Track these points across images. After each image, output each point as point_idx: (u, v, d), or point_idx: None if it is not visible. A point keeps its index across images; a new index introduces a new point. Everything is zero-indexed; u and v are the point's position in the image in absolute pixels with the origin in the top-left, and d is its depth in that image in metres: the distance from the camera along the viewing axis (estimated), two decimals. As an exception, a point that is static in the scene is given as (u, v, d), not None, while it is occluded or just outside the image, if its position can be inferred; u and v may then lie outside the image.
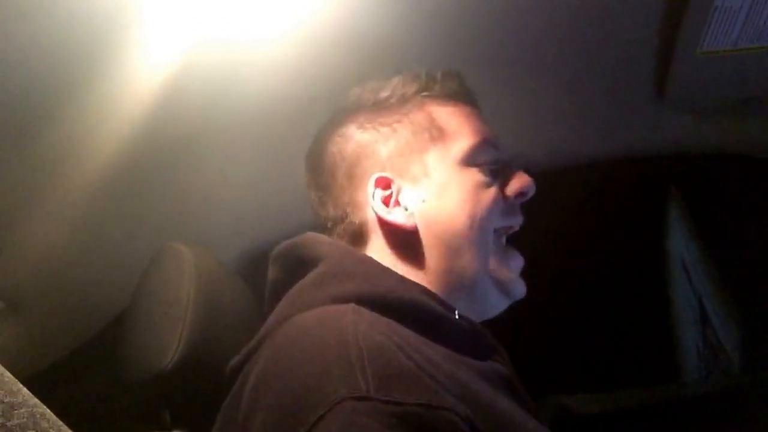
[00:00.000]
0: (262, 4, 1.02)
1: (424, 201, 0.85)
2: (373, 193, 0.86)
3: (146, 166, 1.22)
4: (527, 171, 0.93)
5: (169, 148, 1.21)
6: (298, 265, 0.82)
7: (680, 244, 1.60)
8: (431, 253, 0.84)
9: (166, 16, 0.98)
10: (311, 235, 0.87)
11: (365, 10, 1.05)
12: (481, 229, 0.85)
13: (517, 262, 0.90)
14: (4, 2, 0.87)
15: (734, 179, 1.50)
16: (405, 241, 0.85)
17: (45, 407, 0.57)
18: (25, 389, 0.57)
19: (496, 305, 0.90)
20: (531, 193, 0.91)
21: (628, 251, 1.71)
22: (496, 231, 0.88)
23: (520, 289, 0.90)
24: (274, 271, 0.87)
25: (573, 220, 1.52)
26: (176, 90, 1.08)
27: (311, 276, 0.79)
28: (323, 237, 0.87)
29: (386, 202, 0.86)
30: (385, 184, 0.87)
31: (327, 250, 0.82)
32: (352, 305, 0.71)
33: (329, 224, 0.91)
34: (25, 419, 0.52)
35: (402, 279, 0.80)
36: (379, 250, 0.86)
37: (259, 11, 1.03)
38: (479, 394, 0.67)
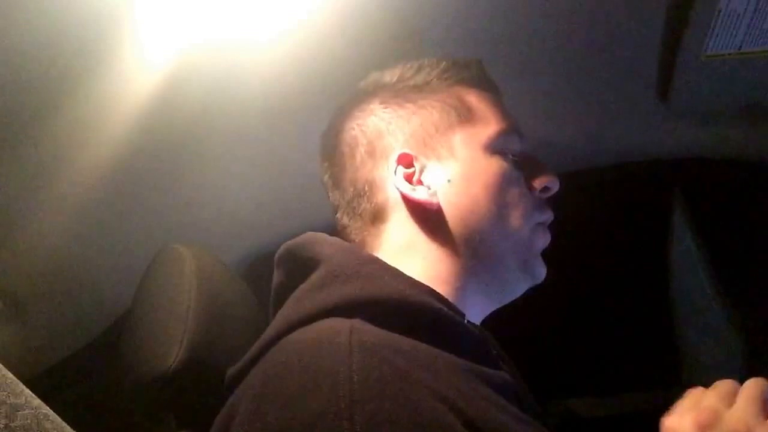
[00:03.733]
0: (261, 4, 1.02)
1: (449, 181, 0.83)
2: (396, 169, 0.83)
3: (146, 166, 1.21)
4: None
5: (170, 148, 1.21)
6: (300, 267, 0.78)
7: (684, 248, 1.59)
8: (453, 235, 0.81)
9: (165, 16, 0.98)
10: (311, 235, 0.82)
11: (364, 10, 1.05)
12: (510, 220, 0.83)
13: (541, 242, 0.88)
14: (1, 3, 0.87)
15: (739, 185, 1.49)
16: (427, 220, 0.82)
17: (48, 408, 0.57)
18: (27, 391, 0.57)
19: (517, 287, 0.87)
20: (556, 188, 0.89)
21: (632, 255, 1.71)
22: (533, 227, 0.86)
23: (541, 271, 0.87)
24: (277, 275, 0.84)
25: (575, 224, 1.52)
26: (176, 90, 1.07)
27: (311, 279, 0.75)
28: (323, 236, 0.82)
29: (409, 179, 0.83)
30: (407, 161, 0.84)
31: (327, 250, 0.77)
32: (351, 322, 0.65)
33: (345, 204, 0.89)
34: (28, 420, 0.52)
35: (409, 280, 0.74)
36: (398, 230, 0.84)
37: (257, 11, 1.02)
38: (486, 410, 0.62)
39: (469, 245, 0.82)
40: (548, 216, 0.88)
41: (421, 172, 0.84)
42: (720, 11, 1.02)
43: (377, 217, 0.85)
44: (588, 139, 1.37)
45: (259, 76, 1.12)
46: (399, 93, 0.89)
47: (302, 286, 0.76)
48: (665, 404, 0.67)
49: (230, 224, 1.40)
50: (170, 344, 0.86)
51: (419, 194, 0.82)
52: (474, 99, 0.88)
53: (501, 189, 0.83)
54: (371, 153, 0.87)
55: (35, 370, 1.26)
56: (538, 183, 0.87)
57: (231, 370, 0.76)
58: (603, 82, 1.24)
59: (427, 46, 1.10)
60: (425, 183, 0.83)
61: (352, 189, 0.88)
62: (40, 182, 1.12)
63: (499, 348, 0.84)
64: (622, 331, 1.69)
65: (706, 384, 0.67)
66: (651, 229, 1.68)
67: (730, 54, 1.08)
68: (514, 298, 0.88)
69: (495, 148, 0.85)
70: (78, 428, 0.61)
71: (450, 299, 0.76)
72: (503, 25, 1.11)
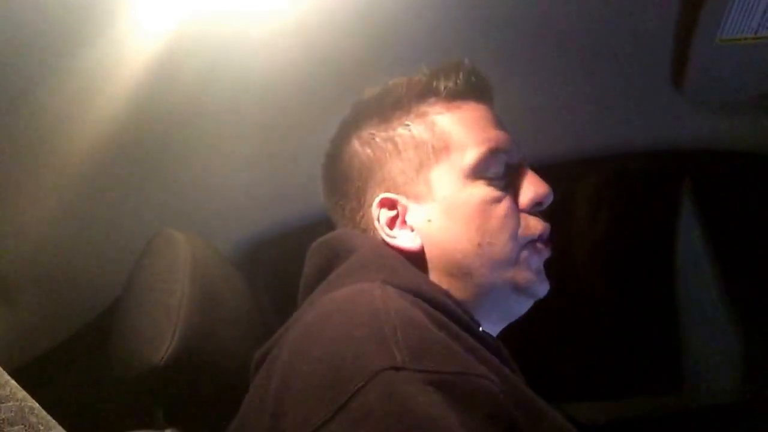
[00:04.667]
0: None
1: (429, 220, 0.83)
2: (378, 215, 0.85)
3: (139, 149, 1.20)
4: (538, 167, 0.88)
5: (163, 131, 1.19)
6: (332, 258, 0.82)
7: (690, 242, 1.59)
8: (441, 272, 0.83)
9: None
10: (345, 230, 0.89)
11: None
12: (493, 247, 0.82)
13: (536, 260, 0.85)
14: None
15: (751, 178, 1.48)
16: (414, 261, 0.83)
17: (33, 401, 0.56)
18: (13, 382, 0.56)
19: (518, 308, 0.87)
20: (548, 201, 0.87)
21: (637, 250, 1.70)
22: (523, 246, 0.84)
23: (542, 289, 0.86)
24: (308, 266, 0.87)
25: (579, 216, 1.50)
26: (171, 71, 1.06)
27: (344, 266, 0.80)
28: (356, 232, 0.87)
29: (393, 222, 0.85)
30: (390, 204, 0.86)
31: (360, 242, 0.82)
32: (379, 282, 0.70)
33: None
34: (12, 413, 0.51)
35: (430, 281, 0.80)
36: None
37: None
38: (509, 377, 0.67)
39: (458, 279, 0.83)
40: (541, 231, 0.85)
41: (404, 214, 0.85)
42: (735, -7, 1.00)
43: None
44: (598, 128, 1.35)
45: (258, 54, 1.09)
46: (378, 127, 0.89)
47: (336, 272, 0.80)
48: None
49: (226, 210, 1.39)
50: (162, 336, 0.85)
51: (400, 240, 0.84)
52: (449, 124, 0.87)
53: (482, 218, 0.82)
54: (359, 198, 0.89)
55: (21, 360, 1.24)
56: (529, 199, 0.85)
57: (258, 352, 0.78)
58: (615, 69, 1.22)
59: (438, 17, 1.08)
60: (408, 224, 0.85)
61: (351, 225, 0.90)
62: (29, 166, 1.10)
63: (513, 362, 0.84)
64: (625, 333, 1.69)
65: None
66: (658, 221, 1.67)
67: (746, 38, 1.07)
68: (519, 316, 0.88)
69: (474, 175, 0.84)
70: (64, 422, 0.60)
71: None
72: (513, 10, 1.09)
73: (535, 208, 0.86)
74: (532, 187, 0.86)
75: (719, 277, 1.52)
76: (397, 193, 0.85)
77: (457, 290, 0.82)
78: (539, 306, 0.88)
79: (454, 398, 0.56)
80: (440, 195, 0.84)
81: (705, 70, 1.15)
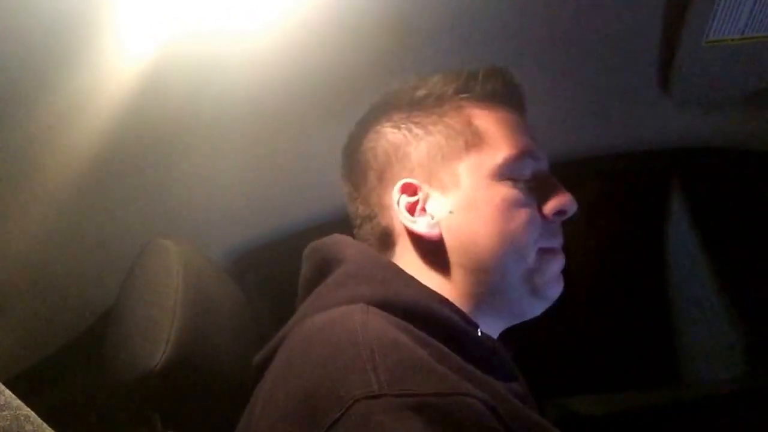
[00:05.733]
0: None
1: (451, 212, 0.83)
2: (399, 199, 0.85)
3: (130, 159, 1.19)
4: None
5: (154, 140, 1.19)
6: (325, 265, 0.83)
7: (681, 239, 1.59)
8: (456, 264, 0.83)
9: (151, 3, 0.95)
10: (338, 236, 0.88)
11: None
12: (513, 249, 0.81)
13: (556, 266, 0.86)
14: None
15: (738, 174, 1.49)
16: (429, 250, 0.84)
17: (29, 409, 0.55)
18: (7, 390, 0.55)
19: (531, 311, 0.86)
20: (571, 211, 0.87)
21: (629, 247, 1.70)
22: (541, 251, 0.84)
23: (555, 291, 0.86)
24: (305, 270, 0.87)
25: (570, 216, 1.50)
26: (161, 81, 1.05)
27: (332, 277, 0.80)
28: (349, 239, 0.87)
29: (412, 208, 0.85)
30: (412, 190, 0.85)
31: (350, 252, 0.82)
32: (361, 304, 0.71)
33: (358, 221, 0.92)
34: (8, 422, 0.51)
35: (422, 288, 0.79)
36: (405, 256, 0.86)
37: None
38: (497, 390, 0.67)
39: (473, 274, 0.82)
40: (556, 242, 0.86)
41: (425, 201, 0.85)
42: (722, -5, 1.01)
43: (385, 240, 0.88)
44: (587, 128, 1.36)
45: (246, 68, 1.10)
46: (411, 114, 0.89)
47: (324, 283, 0.81)
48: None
49: (216, 219, 1.39)
50: (156, 342, 0.85)
51: (419, 226, 0.84)
52: (484, 122, 0.87)
53: (505, 218, 0.82)
54: (380, 178, 0.89)
55: (16, 369, 1.23)
56: (551, 207, 0.85)
57: (257, 358, 0.80)
58: (602, 70, 1.23)
59: (425, 33, 1.09)
60: (428, 212, 0.85)
61: (363, 209, 0.91)
62: (19, 175, 1.10)
63: (512, 362, 0.85)
64: (620, 327, 1.69)
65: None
66: (648, 220, 1.67)
67: (732, 39, 1.07)
68: (531, 317, 0.88)
69: (502, 175, 0.84)
70: (60, 430, 0.59)
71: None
72: (502, 12, 1.10)
73: (558, 217, 0.86)
74: (557, 196, 0.85)
75: (713, 270, 1.52)
76: (420, 180, 0.85)
77: (470, 285, 0.82)
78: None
79: (436, 420, 0.55)
80: (465, 188, 0.83)
81: (692, 71, 1.15)
